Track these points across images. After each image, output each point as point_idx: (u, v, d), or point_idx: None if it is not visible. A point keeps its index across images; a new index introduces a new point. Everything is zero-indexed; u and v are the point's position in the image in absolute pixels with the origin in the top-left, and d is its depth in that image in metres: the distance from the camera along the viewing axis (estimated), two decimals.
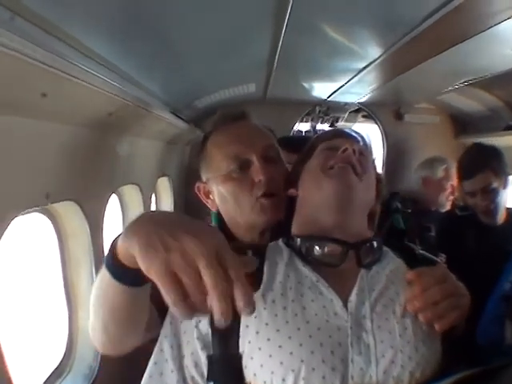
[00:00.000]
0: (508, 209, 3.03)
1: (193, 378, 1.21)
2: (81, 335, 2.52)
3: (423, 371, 1.15)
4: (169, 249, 0.87)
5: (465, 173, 3.05)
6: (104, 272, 1.04)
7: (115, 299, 1.10)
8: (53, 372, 2.35)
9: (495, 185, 2.92)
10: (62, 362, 2.44)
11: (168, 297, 0.84)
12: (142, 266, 0.88)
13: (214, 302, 0.83)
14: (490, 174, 2.93)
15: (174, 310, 0.85)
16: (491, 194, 2.93)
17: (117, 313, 1.14)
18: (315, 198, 1.40)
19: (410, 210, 2.61)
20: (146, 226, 0.95)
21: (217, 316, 0.84)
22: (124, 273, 1.00)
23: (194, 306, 0.85)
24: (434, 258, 1.43)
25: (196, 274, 0.84)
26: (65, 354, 2.48)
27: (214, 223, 1.97)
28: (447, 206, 3.97)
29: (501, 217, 2.98)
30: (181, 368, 1.21)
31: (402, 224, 2.15)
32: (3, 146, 1.55)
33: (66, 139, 2.02)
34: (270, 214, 1.67)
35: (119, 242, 0.97)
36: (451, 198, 4.04)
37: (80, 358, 2.50)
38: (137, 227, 0.96)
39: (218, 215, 1.84)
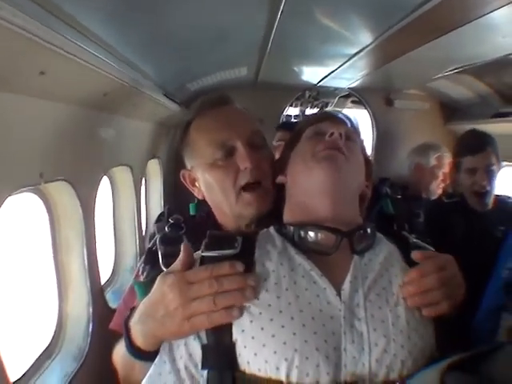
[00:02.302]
0: (496, 195, 3.06)
1: (187, 367, 1.21)
2: (70, 316, 2.53)
3: (415, 360, 1.16)
4: (182, 315, 1.20)
5: (468, 149, 3.08)
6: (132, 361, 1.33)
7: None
8: (42, 353, 2.36)
9: (495, 167, 2.99)
10: (51, 343, 2.46)
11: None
12: (189, 332, 1.22)
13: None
14: (492, 155, 3.00)
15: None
16: (490, 175, 2.98)
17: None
18: (305, 184, 1.39)
19: (399, 196, 2.62)
20: (157, 319, 1.24)
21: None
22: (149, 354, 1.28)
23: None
24: (429, 246, 1.41)
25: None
26: (54, 335, 2.49)
27: (191, 213, 1.97)
28: (438, 194, 4.00)
29: (490, 202, 3.02)
30: (177, 368, 1.23)
31: (392, 209, 2.14)
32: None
33: (61, 118, 2.03)
34: (256, 207, 1.65)
35: (142, 340, 1.28)
36: (442, 185, 4.07)
37: (69, 339, 2.52)
38: (155, 325, 1.25)
39: (205, 202, 1.82)
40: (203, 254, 1.30)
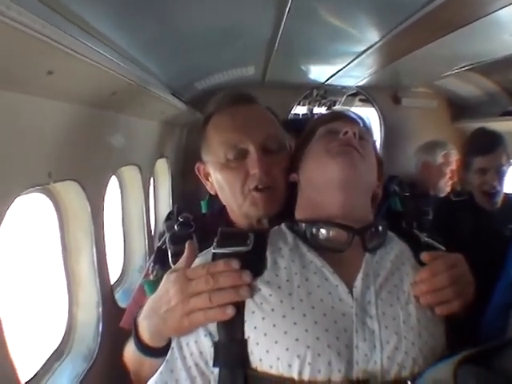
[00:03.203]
0: (505, 194, 3.05)
1: (197, 365, 1.22)
2: (80, 316, 2.53)
3: (426, 358, 1.16)
4: (182, 310, 1.22)
5: (479, 149, 3.07)
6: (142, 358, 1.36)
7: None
8: (52, 354, 2.36)
9: (505, 166, 2.99)
10: (61, 343, 2.46)
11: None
12: (188, 328, 1.24)
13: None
14: (503, 154, 3.00)
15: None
16: (500, 174, 2.99)
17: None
18: (319, 180, 1.38)
19: (407, 194, 2.61)
20: (160, 315, 1.27)
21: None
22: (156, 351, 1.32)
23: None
24: (440, 245, 1.41)
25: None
26: (64, 335, 2.49)
27: (203, 211, 1.98)
28: (446, 191, 3.99)
29: (500, 201, 3.01)
30: (188, 365, 1.23)
31: (400, 207, 2.13)
32: (9, 123, 1.56)
33: (69, 118, 2.03)
34: (263, 208, 1.64)
35: (149, 336, 1.31)
36: (450, 183, 4.06)
37: (79, 339, 2.52)
38: (158, 321, 1.28)
39: (217, 198, 1.81)
40: (215, 250, 1.31)
